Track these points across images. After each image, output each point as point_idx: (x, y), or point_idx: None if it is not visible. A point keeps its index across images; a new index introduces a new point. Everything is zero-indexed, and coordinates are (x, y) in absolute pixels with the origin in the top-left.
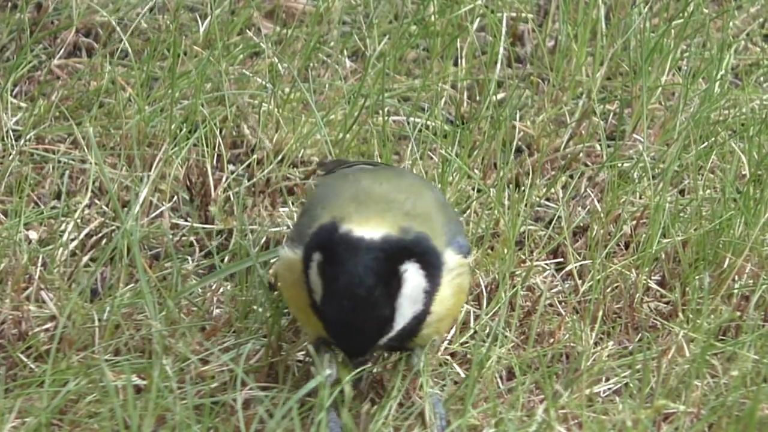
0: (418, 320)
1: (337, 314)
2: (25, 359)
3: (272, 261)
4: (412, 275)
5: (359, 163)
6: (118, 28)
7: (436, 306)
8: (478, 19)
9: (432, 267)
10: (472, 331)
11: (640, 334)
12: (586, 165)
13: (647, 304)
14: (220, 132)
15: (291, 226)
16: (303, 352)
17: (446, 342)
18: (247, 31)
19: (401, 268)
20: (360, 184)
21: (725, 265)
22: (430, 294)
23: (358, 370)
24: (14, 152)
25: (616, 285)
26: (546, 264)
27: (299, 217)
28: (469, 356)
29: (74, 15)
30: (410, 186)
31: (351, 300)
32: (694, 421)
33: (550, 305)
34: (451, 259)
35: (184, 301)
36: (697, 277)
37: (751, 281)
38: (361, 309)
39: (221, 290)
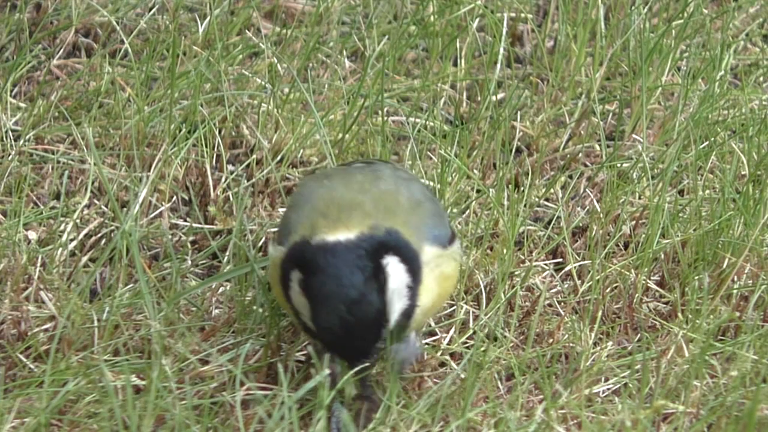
0: (407, 316)
1: (331, 321)
2: (24, 359)
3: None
4: (395, 268)
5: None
6: (118, 28)
7: (422, 299)
8: (477, 19)
9: (409, 260)
10: (471, 332)
11: (639, 335)
12: (586, 165)
13: (646, 305)
14: (220, 132)
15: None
16: (303, 352)
17: (446, 342)
18: (247, 31)
19: (383, 262)
20: (332, 193)
21: (724, 266)
22: (413, 289)
23: (358, 369)
24: (13, 152)
25: (615, 285)
26: (545, 264)
27: (283, 216)
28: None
29: (73, 15)
30: (381, 194)
31: (343, 302)
32: (693, 422)
33: (549, 305)
34: (428, 251)
35: (183, 301)
36: (696, 278)
37: (751, 281)
38: (356, 309)
39: (220, 290)
